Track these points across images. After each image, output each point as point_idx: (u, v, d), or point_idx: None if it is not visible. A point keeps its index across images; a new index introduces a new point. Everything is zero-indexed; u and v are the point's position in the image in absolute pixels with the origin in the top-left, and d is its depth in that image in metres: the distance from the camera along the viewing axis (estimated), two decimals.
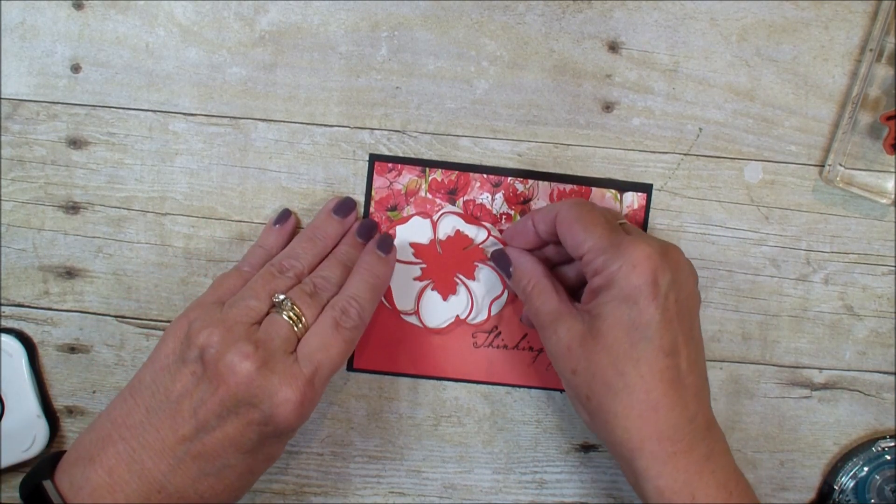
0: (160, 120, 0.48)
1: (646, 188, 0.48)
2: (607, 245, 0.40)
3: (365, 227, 0.47)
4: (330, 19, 0.47)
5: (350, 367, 0.49)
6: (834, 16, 0.47)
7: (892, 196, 0.47)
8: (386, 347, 0.49)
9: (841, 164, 0.47)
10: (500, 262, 0.47)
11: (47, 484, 0.39)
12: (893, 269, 0.49)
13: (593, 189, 0.48)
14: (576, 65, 0.47)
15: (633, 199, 0.48)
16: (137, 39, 0.47)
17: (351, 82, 0.47)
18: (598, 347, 0.40)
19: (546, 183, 0.48)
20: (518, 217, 0.48)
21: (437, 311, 0.49)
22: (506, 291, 0.49)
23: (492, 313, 0.49)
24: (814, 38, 0.47)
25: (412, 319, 0.49)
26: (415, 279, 0.49)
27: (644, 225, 0.48)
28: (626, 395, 0.39)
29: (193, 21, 0.47)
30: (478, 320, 0.49)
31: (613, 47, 0.47)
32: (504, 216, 0.48)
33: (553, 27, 0.47)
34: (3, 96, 0.48)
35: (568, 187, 0.48)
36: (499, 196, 0.48)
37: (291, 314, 0.41)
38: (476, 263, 0.49)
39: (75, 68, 0.47)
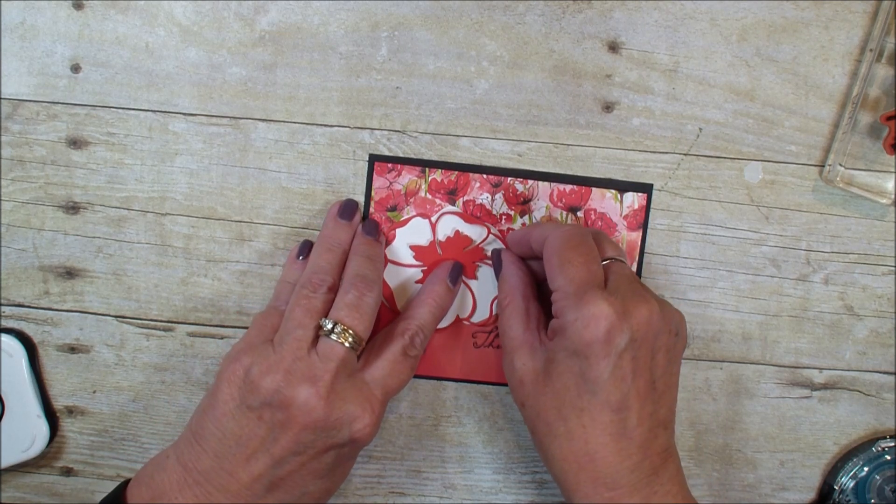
0: (160, 120, 0.48)
1: (646, 188, 0.48)
2: (571, 292, 0.40)
3: (371, 225, 0.47)
4: (330, 19, 0.47)
5: None
6: (834, 16, 0.47)
7: (892, 196, 0.47)
8: None
9: (841, 164, 0.47)
10: (495, 264, 0.47)
11: None
12: (893, 269, 0.49)
13: (593, 189, 0.48)
14: (576, 65, 0.47)
15: (633, 200, 0.48)
16: (137, 39, 0.47)
17: (351, 82, 0.47)
18: (546, 389, 0.41)
19: (546, 183, 0.48)
20: (518, 218, 0.48)
21: None
22: None
23: (493, 312, 0.49)
24: (814, 38, 0.47)
25: None
26: (416, 282, 0.49)
27: (644, 225, 0.48)
28: (566, 441, 0.40)
29: (193, 21, 0.47)
30: (479, 320, 0.49)
31: (613, 47, 0.47)
32: (504, 216, 0.48)
33: (553, 27, 0.47)
34: (3, 96, 0.48)
35: (568, 187, 0.48)
36: (499, 196, 0.48)
37: (343, 335, 0.42)
38: (477, 263, 0.49)
39: (75, 68, 0.47)
